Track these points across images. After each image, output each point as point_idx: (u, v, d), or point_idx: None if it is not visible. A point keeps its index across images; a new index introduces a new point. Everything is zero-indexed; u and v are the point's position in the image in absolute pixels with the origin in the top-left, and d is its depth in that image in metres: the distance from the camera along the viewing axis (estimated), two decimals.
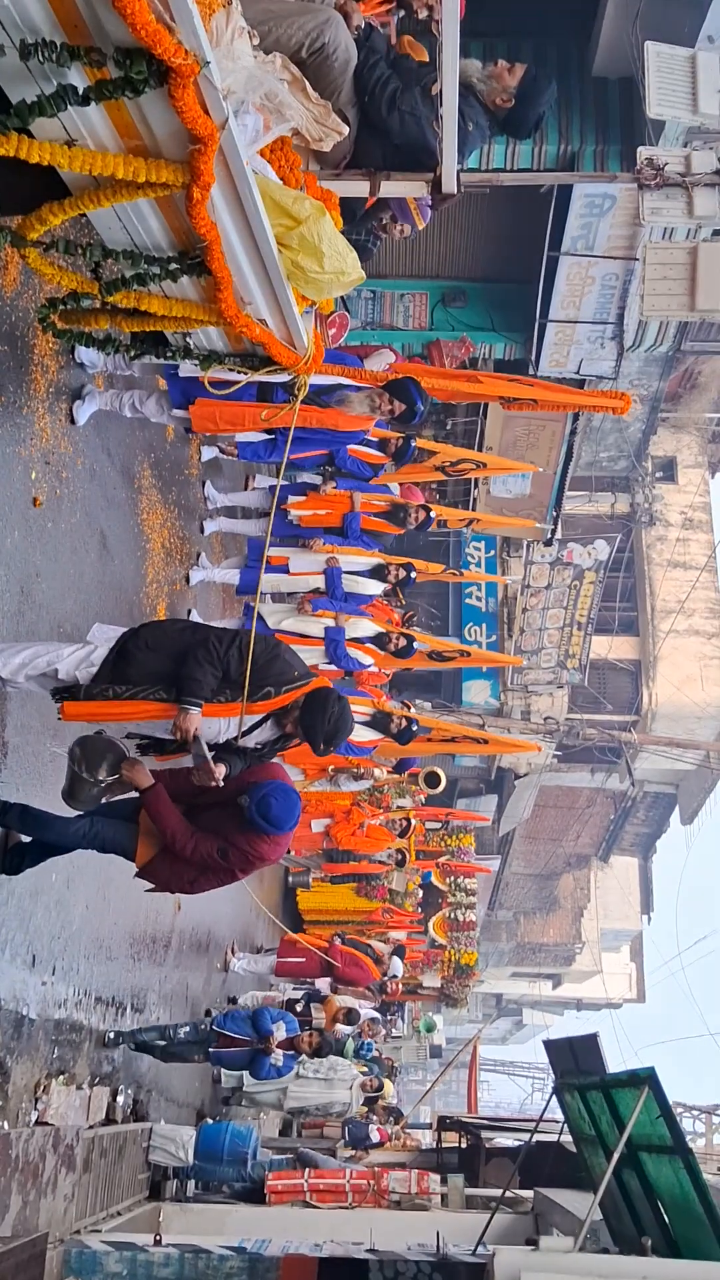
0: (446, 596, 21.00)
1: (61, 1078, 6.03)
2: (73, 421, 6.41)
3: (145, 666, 4.92)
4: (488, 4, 9.16)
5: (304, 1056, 8.99)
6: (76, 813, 5.33)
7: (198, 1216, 7.61)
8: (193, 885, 5.28)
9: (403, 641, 10.01)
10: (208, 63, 3.11)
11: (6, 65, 3.14)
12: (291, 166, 4.38)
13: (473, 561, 20.59)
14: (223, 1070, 8.76)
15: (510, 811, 23.45)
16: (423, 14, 5.85)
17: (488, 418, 16.61)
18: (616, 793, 25.54)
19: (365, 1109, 11.47)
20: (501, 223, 14.81)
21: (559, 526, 18.69)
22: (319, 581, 9.19)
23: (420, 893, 18.27)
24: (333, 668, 9.24)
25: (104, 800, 5.13)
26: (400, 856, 15.71)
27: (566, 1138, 6.91)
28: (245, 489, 10.68)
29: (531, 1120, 9.41)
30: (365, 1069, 11.59)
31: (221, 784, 5.01)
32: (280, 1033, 8.58)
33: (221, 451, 8.64)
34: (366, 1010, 12.60)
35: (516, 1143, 10.82)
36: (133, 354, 5.04)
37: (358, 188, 5.24)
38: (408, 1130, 15.04)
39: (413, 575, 9.77)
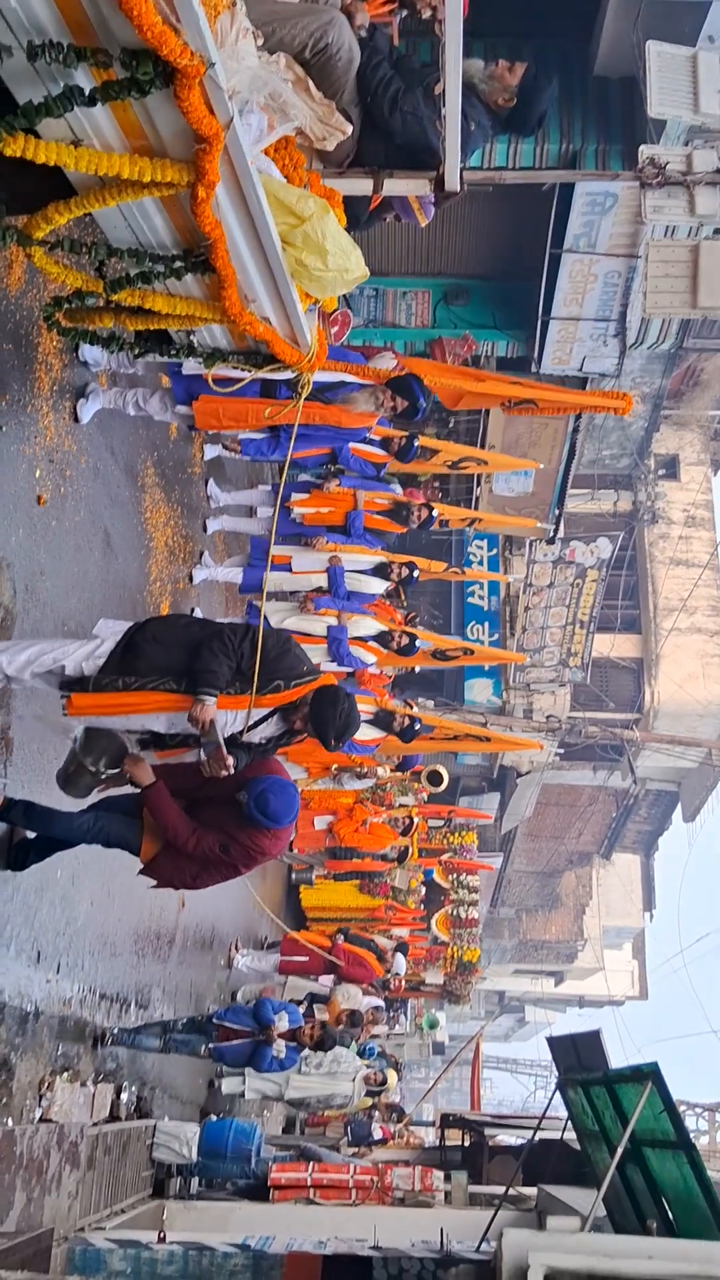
0: (449, 595, 21.00)
1: (66, 1074, 6.05)
2: (76, 420, 6.43)
3: (153, 659, 4.95)
4: (489, 4, 9.16)
5: (307, 1051, 8.96)
6: (80, 808, 5.36)
7: (201, 1214, 7.62)
8: (196, 880, 5.31)
9: (405, 639, 10.02)
10: (213, 64, 3.12)
11: (13, 66, 3.15)
12: (295, 165, 4.39)
13: (475, 560, 20.58)
14: (224, 1067, 8.72)
15: (512, 809, 23.47)
16: (426, 14, 5.86)
17: (490, 415, 16.63)
18: (618, 790, 25.55)
19: (370, 1100, 11.44)
20: (503, 220, 14.82)
21: (561, 525, 18.69)
22: (322, 580, 9.20)
23: (423, 890, 18.30)
24: (335, 666, 9.26)
25: (98, 792, 5.16)
26: (402, 852, 15.73)
27: (570, 1135, 6.93)
28: (250, 488, 10.69)
29: (534, 1117, 9.43)
30: (369, 1065, 11.58)
31: (232, 772, 5.05)
32: (282, 1023, 8.53)
33: (225, 448, 8.66)
34: (370, 1000, 12.59)
35: (520, 1140, 10.86)
36: (137, 352, 5.06)
37: (361, 186, 5.25)
38: (411, 1128, 15.05)
39: (415, 574, 9.78)
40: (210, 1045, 8.22)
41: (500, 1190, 7.60)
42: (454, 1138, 12.07)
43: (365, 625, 9.54)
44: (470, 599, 20.88)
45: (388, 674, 11.32)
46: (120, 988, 7.40)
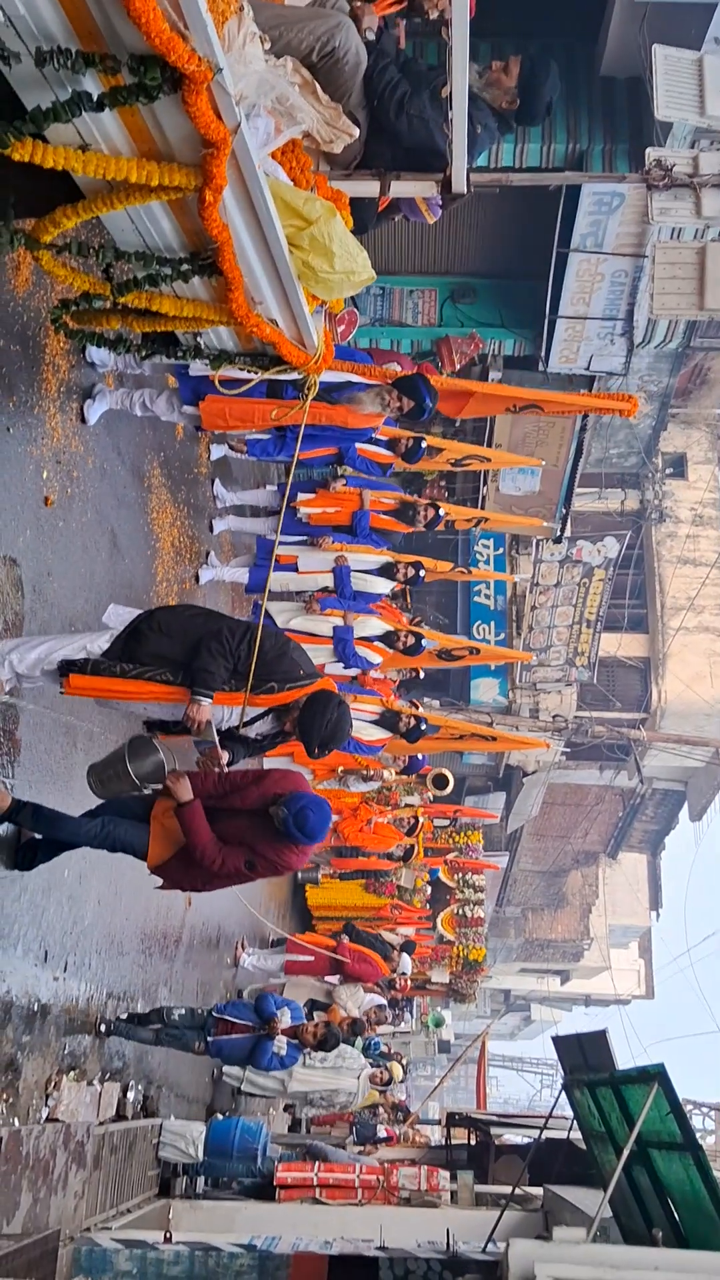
0: (455, 595, 20.98)
1: (72, 1074, 6.06)
2: (84, 421, 6.44)
3: (155, 648, 5.01)
4: (496, 5, 9.15)
5: (309, 1050, 8.86)
6: (89, 808, 5.38)
7: (207, 1213, 7.62)
8: (205, 885, 5.34)
9: (411, 639, 10.01)
10: (220, 69, 3.13)
11: (23, 72, 3.17)
12: (302, 168, 4.41)
13: (481, 559, 20.54)
14: (223, 1064, 8.63)
15: (518, 808, 23.46)
16: (433, 15, 5.86)
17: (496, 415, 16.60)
18: (625, 790, 25.52)
19: (378, 1094, 11.43)
20: (510, 219, 14.80)
21: (568, 524, 18.66)
22: (328, 580, 9.20)
23: (428, 889, 18.30)
24: (342, 667, 9.26)
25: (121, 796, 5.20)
26: (407, 851, 15.71)
27: (576, 1134, 6.93)
28: (257, 488, 10.69)
29: (540, 1116, 9.43)
30: (374, 1063, 11.57)
31: (226, 770, 5.11)
32: (285, 1018, 8.46)
33: (231, 448, 8.67)
34: (373, 998, 12.56)
35: (526, 1139, 10.86)
36: (144, 354, 5.08)
37: (368, 188, 5.27)
38: (416, 1126, 15.06)
39: (421, 573, 9.78)
40: (207, 1040, 8.06)
41: (506, 1190, 7.61)
42: (460, 1137, 12.07)
43: (371, 625, 9.54)
44: (476, 598, 20.86)
45: (392, 677, 11.31)
46: (127, 986, 7.41)
